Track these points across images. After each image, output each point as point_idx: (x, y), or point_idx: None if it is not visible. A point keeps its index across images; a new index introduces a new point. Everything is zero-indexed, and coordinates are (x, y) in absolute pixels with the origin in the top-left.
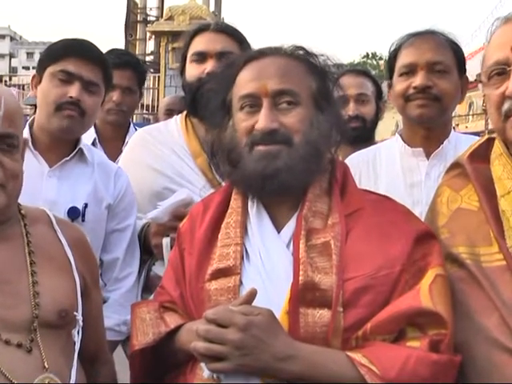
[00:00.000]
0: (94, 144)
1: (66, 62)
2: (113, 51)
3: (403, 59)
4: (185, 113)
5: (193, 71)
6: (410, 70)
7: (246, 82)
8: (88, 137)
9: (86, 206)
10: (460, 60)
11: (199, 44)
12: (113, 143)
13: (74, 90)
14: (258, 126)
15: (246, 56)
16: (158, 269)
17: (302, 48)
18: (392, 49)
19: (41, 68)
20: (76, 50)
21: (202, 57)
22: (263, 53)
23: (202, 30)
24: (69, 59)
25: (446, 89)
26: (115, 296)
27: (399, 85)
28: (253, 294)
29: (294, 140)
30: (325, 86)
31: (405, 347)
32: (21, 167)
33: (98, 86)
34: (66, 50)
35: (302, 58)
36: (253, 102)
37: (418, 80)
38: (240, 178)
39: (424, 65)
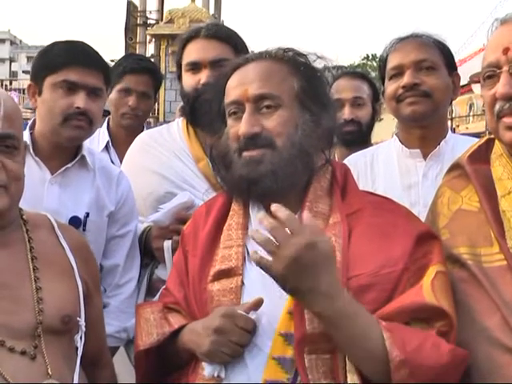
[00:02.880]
0: (107, 147)
1: (66, 71)
2: (130, 56)
3: (391, 63)
4: None
5: (188, 81)
6: (398, 72)
7: (231, 89)
8: (101, 140)
9: (87, 215)
10: (448, 57)
11: (192, 53)
12: (126, 147)
13: (80, 101)
14: (240, 131)
15: (233, 64)
16: (161, 272)
17: (287, 49)
18: (381, 57)
19: (38, 78)
20: (75, 57)
21: (195, 66)
22: (248, 59)
23: (193, 36)
24: (69, 68)
25: (434, 84)
26: (115, 302)
27: (389, 87)
28: (258, 304)
29: (276, 143)
30: (311, 85)
31: (421, 331)
32: (22, 169)
33: (102, 90)
34: (64, 58)
35: (285, 60)
36: (237, 109)
37: (406, 79)
38: (230, 183)
39: (410, 64)
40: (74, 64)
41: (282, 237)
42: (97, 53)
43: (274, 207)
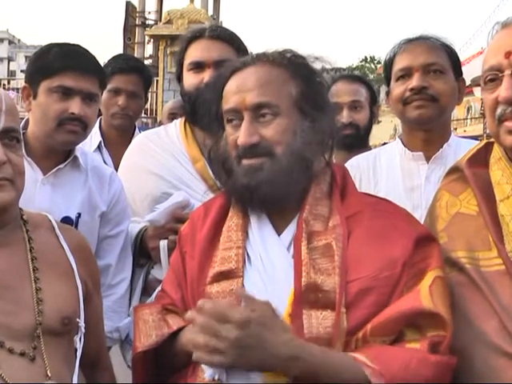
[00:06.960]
0: (99, 148)
1: (62, 76)
2: (119, 56)
3: (398, 64)
4: (184, 118)
5: (191, 80)
6: (406, 74)
7: (228, 95)
8: (94, 140)
9: (79, 215)
10: (455, 62)
11: (195, 52)
12: (118, 147)
13: (75, 106)
14: (239, 141)
15: (231, 67)
16: (157, 272)
17: (286, 51)
18: (387, 57)
19: (33, 81)
20: (72, 63)
21: (199, 66)
22: (245, 63)
23: (197, 36)
24: (65, 73)
25: (442, 89)
26: (108, 302)
27: (396, 89)
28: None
29: (275, 151)
30: (310, 90)
31: (406, 349)
32: (24, 163)
33: (97, 95)
34: (60, 63)
35: (284, 63)
36: (235, 116)
37: (414, 81)
38: (232, 190)
39: (419, 67)
40: (69, 69)
41: (214, 331)
42: (93, 57)
43: (200, 303)
